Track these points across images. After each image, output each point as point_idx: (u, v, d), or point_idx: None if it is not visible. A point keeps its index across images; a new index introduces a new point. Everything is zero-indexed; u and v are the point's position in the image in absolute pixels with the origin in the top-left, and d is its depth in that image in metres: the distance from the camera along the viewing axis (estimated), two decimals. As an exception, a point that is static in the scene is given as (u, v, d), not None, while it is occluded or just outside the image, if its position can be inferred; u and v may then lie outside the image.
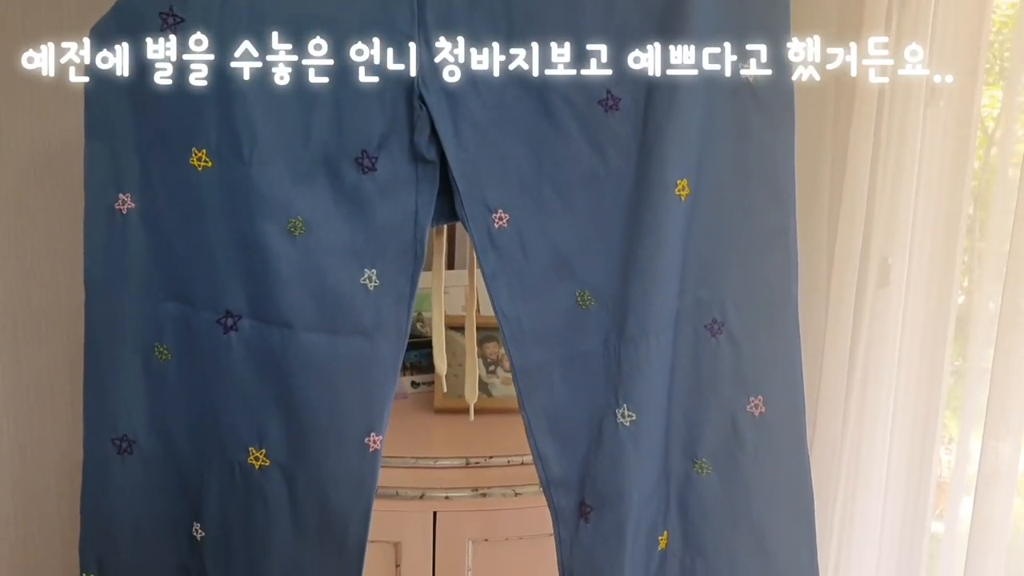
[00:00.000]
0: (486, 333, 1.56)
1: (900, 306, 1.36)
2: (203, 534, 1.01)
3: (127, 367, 0.99)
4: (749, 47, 0.94)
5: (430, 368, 1.64)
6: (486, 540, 1.30)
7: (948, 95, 1.30)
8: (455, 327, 1.51)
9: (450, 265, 1.77)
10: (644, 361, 0.96)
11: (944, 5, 1.28)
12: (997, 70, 1.34)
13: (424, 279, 1.03)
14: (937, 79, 1.27)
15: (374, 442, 0.97)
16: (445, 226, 1.13)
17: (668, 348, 0.98)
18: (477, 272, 1.14)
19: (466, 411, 1.30)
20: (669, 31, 0.92)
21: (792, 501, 1.02)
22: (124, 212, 0.96)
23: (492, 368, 1.58)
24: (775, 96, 0.96)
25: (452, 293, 1.68)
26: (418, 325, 1.65)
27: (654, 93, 0.93)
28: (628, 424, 0.97)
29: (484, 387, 1.56)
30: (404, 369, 1.65)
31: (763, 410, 1.00)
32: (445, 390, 1.42)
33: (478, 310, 1.41)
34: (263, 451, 0.98)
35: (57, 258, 1.54)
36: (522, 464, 1.30)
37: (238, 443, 0.98)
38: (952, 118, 1.31)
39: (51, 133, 1.52)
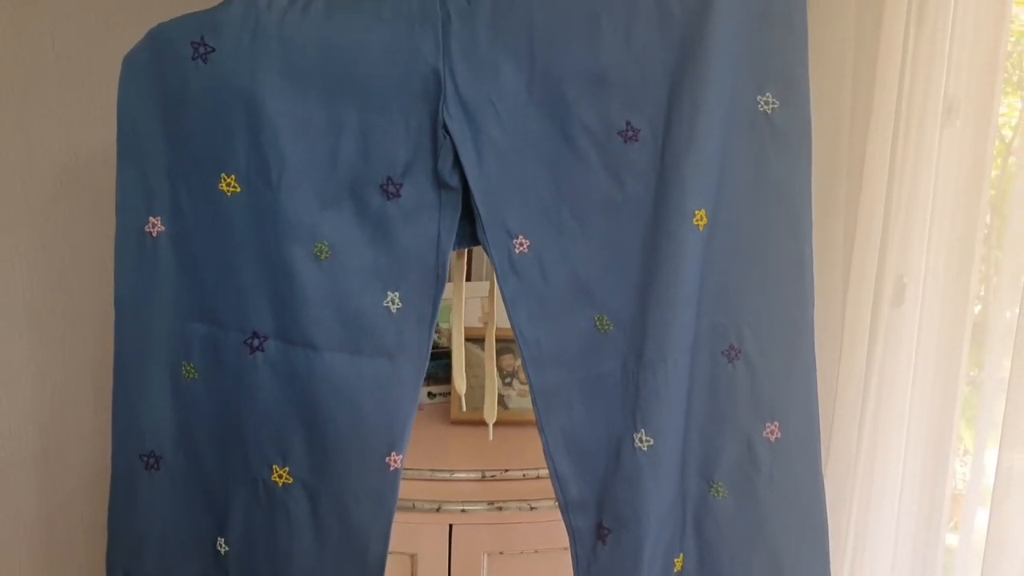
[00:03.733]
0: (502, 345, 1.56)
1: (915, 324, 1.36)
2: (227, 548, 1.03)
3: (155, 385, 1.01)
4: (767, 76, 0.96)
5: (447, 379, 1.65)
6: (501, 553, 1.31)
7: (965, 112, 1.30)
8: (472, 339, 1.52)
9: (468, 276, 1.78)
10: (662, 386, 0.98)
11: (961, 20, 1.28)
12: (1016, 79, 1.34)
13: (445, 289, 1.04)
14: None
15: (395, 461, 0.99)
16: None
17: (685, 373, 0.99)
18: (495, 291, 1.15)
19: (483, 423, 1.31)
20: (689, 59, 0.94)
21: (807, 525, 1.03)
22: (154, 235, 0.99)
23: (508, 380, 1.59)
24: (792, 126, 0.97)
25: (470, 304, 1.69)
26: (436, 337, 1.66)
27: (673, 123, 0.95)
28: (646, 449, 0.98)
29: (500, 399, 1.57)
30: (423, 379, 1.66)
31: (779, 435, 1.01)
32: (464, 409, 1.43)
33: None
34: (287, 468, 0.99)
35: (83, 268, 1.56)
36: (538, 478, 1.31)
37: (262, 460, 1.00)
38: (969, 136, 1.30)
39: (80, 145, 1.54)
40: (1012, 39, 1.30)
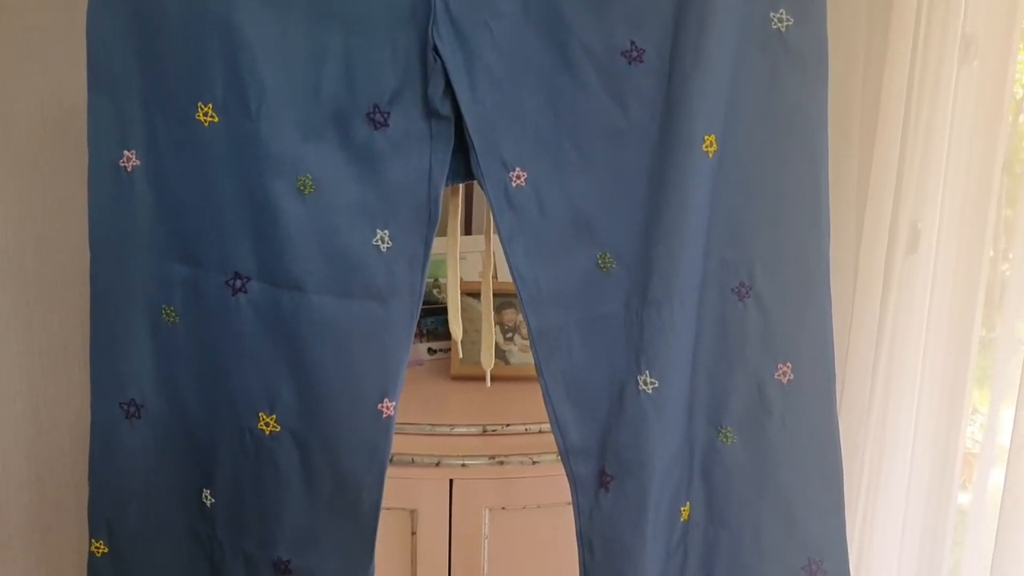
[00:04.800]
0: (503, 299, 1.53)
1: (929, 273, 1.33)
2: (213, 500, 0.99)
3: (134, 330, 0.97)
4: None
5: (447, 335, 1.62)
6: (503, 508, 1.28)
7: (983, 50, 1.26)
8: (471, 293, 1.48)
9: (467, 230, 1.74)
10: (668, 326, 0.93)
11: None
12: None
13: (439, 245, 1.00)
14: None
15: (387, 408, 0.95)
16: (461, 187, 1.10)
17: (693, 312, 0.95)
18: (494, 237, 1.11)
19: (483, 378, 1.28)
20: None
21: (820, 470, 0.99)
22: (129, 170, 0.94)
23: (510, 335, 1.56)
24: (808, 46, 0.92)
25: (469, 259, 1.66)
26: (434, 291, 1.63)
27: (680, 44, 0.90)
28: (651, 391, 0.94)
29: (501, 354, 1.54)
30: (420, 336, 1.63)
31: (791, 377, 0.96)
32: (461, 356, 1.40)
33: (495, 276, 1.38)
34: (273, 416, 0.96)
35: (70, 219, 1.53)
36: (540, 432, 1.29)
37: (248, 408, 0.96)
38: (988, 75, 1.26)
39: (63, 93, 1.50)
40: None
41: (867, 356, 1.38)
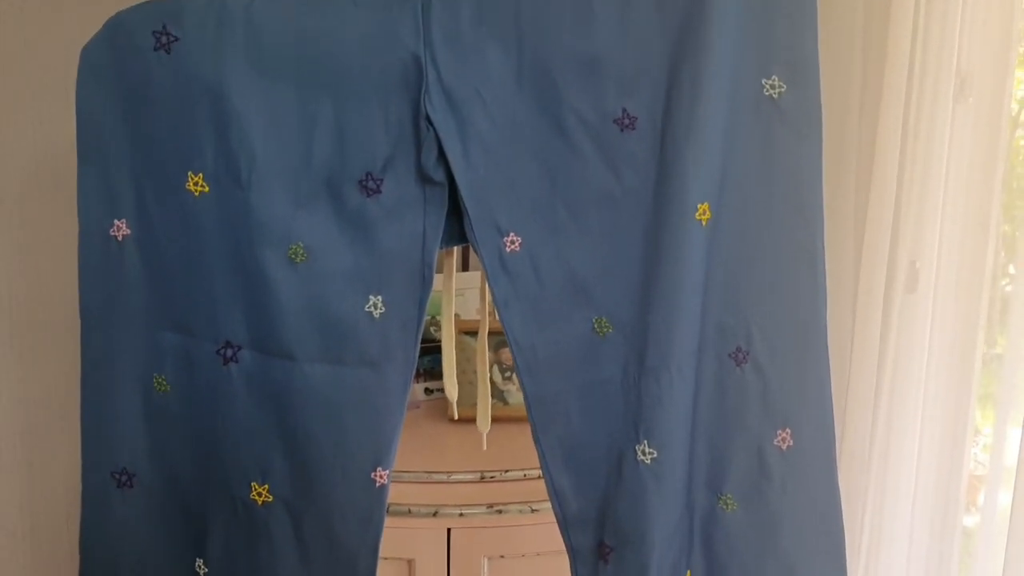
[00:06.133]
0: (501, 338, 1.52)
1: (928, 311, 1.32)
2: (206, 570, 0.98)
3: (125, 399, 0.96)
4: (773, 58, 0.90)
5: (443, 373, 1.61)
6: (502, 557, 1.27)
7: (978, 88, 1.26)
8: (469, 332, 1.47)
9: (464, 267, 1.73)
10: (666, 394, 0.92)
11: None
12: (1020, 52, 1.28)
13: (436, 281, 0.99)
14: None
15: (381, 476, 0.94)
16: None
17: (691, 379, 0.94)
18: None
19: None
20: (688, 42, 0.88)
21: (822, 537, 0.98)
22: (120, 239, 0.93)
23: (508, 375, 1.55)
24: (801, 111, 0.91)
25: (466, 295, 1.65)
26: (432, 329, 1.61)
27: (673, 110, 0.89)
28: (649, 462, 0.93)
29: (499, 394, 1.53)
30: (417, 376, 1.62)
31: (791, 443, 0.95)
32: (456, 417, 1.38)
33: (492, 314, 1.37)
34: (266, 486, 0.94)
35: (64, 272, 1.49)
36: (539, 478, 1.24)
37: (240, 478, 0.95)
38: (983, 112, 1.26)
39: (57, 144, 1.48)
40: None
41: (867, 395, 1.36)
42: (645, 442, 0.93)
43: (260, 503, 0.95)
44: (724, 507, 0.97)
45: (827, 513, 0.97)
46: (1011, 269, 1.28)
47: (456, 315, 1.13)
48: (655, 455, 0.93)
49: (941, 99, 1.27)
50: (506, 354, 1.55)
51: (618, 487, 0.94)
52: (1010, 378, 1.23)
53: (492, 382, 1.54)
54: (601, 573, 0.96)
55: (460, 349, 1.36)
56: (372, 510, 0.94)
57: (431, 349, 1.60)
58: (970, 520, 1.35)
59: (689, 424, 0.95)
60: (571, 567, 0.97)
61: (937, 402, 1.34)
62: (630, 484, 0.93)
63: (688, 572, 0.98)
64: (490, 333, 1.19)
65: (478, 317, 1.43)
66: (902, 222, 1.31)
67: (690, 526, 0.98)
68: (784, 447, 0.95)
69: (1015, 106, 1.29)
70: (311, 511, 0.94)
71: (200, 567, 0.98)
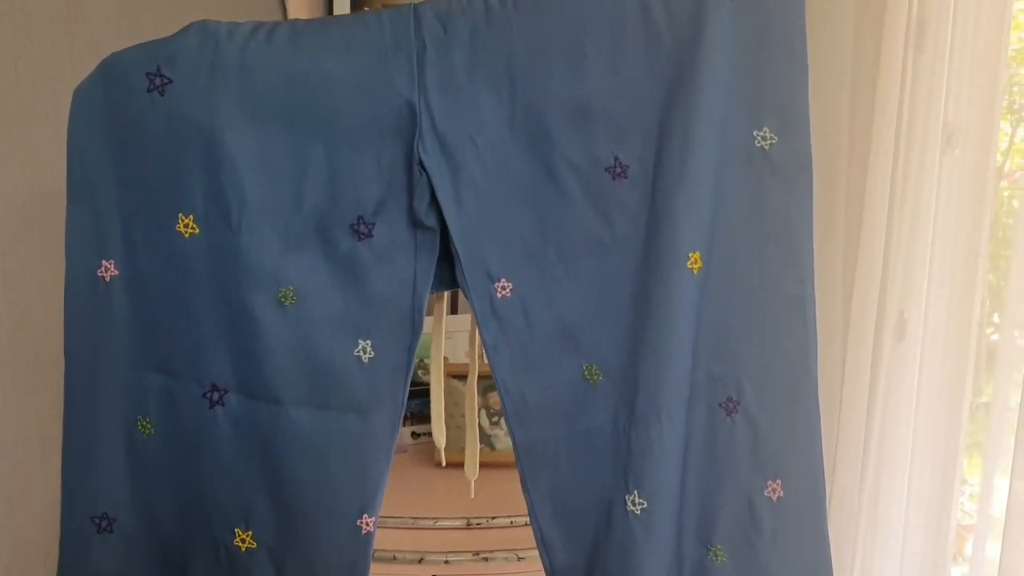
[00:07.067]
0: (489, 382, 1.51)
1: (917, 360, 1.32)
2: (187, 618, 0.96)
3: (108, 441, 0.94)
4: (764, 110, 0.91)
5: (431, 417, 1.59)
6: (488, 606, 1.25)
7: (964, 140, 1.27)
8: (458, 376, 1.46)
9: (453, 310, 1.73)
10: (656, 443, 0.91)
11: (960, 47, 1.25)
12: (1005, 104, 1.30)
13: (425, 323, 0.98)
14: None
15: (367, 524, 0.92)
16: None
17: (681, 428, 0.93)
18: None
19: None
20: (680, 92, 0.88)
21: None
22: (107, 280, 0.92)
23: (495, 419, 1.54)
24: (792, 162, 0.92)
25: (455, 337, 1.64)
26: (419, 372, 1.60)
27: (664, 159, 0.89)
28: (639, 512, 0.92)
29: (487, 439, 1.52)
30: (405, 419, 1.60)
31: (781, 494, 0.94)
32: (444, 464, 1.36)
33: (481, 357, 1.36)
34: (250, 532, 0.93)
35: (49, 307, 1.50)
36: (526, 525, 1.23)
37: (224, 523, 0.93)
38: (969, 164, 1.27)
39: (44, 177, 1.48)
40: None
41: (857, 443, 1.36)
42: (635, 492, 0.92)
43: (244, 549, 0.93)
44: (713, 558, 0.96)
45: (816, 564, 0.96)
46: (996, 318, 1.29)
47: (444, 358, 1.12)
48: (645, 505, 0.92)
49: (929, 151, 1.28)
50: (494, 398, 1.54)
51: (607, 538, 0.93)
52: (997, 427, 1.23)
53: (480, 427, 1.52)
54: None
55: (448, 392, 1.35)
56: (357, 558, 0.93)
57: (419, 392, 1.59)
58: (957, 571, 1.34)
59: (679, 474, 0.94)
60: None
61: (926, 451, 1.33)
62: (619, 535, 0.92)
63: (678, 626, 0.97)
64: (479, 377, 1.18)
65: (467, 360, 1.42)
66: (890, 272, 1.32)
67: None
68: (775, 498, 0.95)
69: (1000, 158, 1.31)
70: (295, 558, 0.93)
71: (180, 615, 0.96)
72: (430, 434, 1.58)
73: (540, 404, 0.93)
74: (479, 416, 1.53)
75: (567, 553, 0.94)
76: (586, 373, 0.93)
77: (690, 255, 0.90)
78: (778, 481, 0.94)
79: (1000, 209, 1.31)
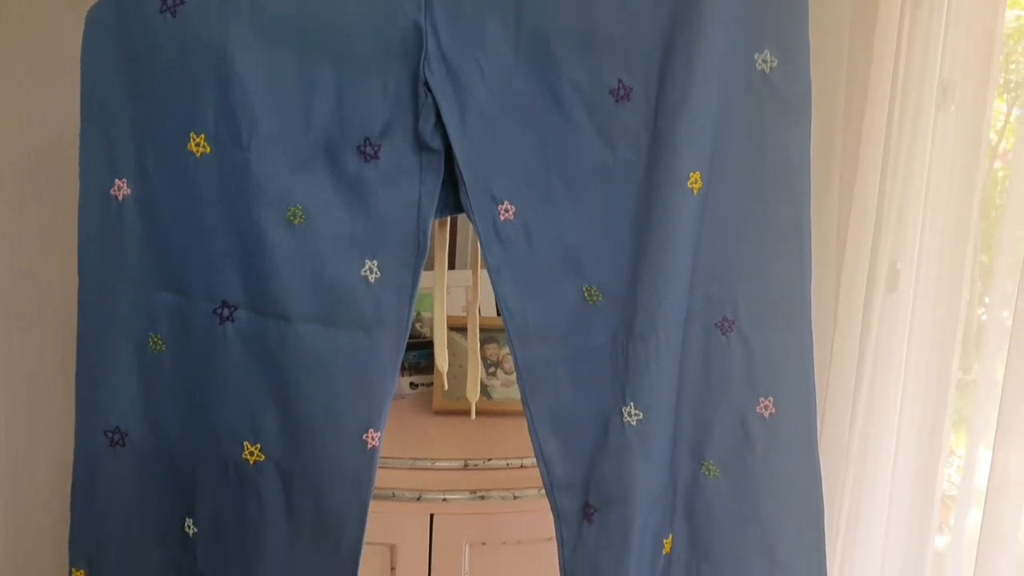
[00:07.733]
0: (486, 334, 1.53)
1: (908, 311, 1.35)
2: (195, 530, 0.98)
3: (120, 358, 0.96)
4: (766, 35, 0.92)
5: (429, 369, 1.62)
6: (484, 544, 1.27)
7: (960, 96, 1.29)
8: (455, 328, 1.48)
9: (451, 265, 1.75)
10: (653, 359, 0.94)
11: (957, 2, 1.27)
12: (1002, 82, 1.32)
13: (425, 279, 1.00)
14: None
15: (372, 439, 0.94)
16: (448, 220, 1.11)
17: (677, 346, 0.95)
18: (480, 272, 1.11)
19: (465, 413, 1.28)
20: (683, 18, 0.90)
21: (802, 505, 0.99)
22: (120, 198, 0.94)
23: (492, 370, 1.56)
24: (791, 87, 0.93)
25: (452, 293, 1.66)
26: (417, 325, 1.63)
27: (667, 83, 0.91)
28: (635, 423, 0.94)
29: (484, 389, 1.54)
30: (403, 370, 1.63)
31: (773, 411, 0.97)
32: (446, 388, 1.39)
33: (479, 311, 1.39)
34: (258, 446, 0.95)
35: (53, 257, 1.51)
36: (521, 467, 1.28)
37: (232, 437, 0.95)
38: (963, 122, 1.29)
39: (48, 128, 1.49)
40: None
41: (847, 391, 1.38)
42: (631, 404, 0.94)
43: (252, 462, 0.95)
44: (706, 474, 0.98)
45: (807, 484, 0.99)
46: (986, 300, 1.31)
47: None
48: (641, 416, 0.94)
49: (924, 107, 1.30)
50: (490, 350, 1.57)
51: (604, 450, 0.95)
52: (983, 403, 1.26)
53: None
54: (584, 533, 0.96)
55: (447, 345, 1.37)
56: (362, 473, 0.94)
57: (417, 345, 1.61)
58: (941, 540, 1.37)
59: (674, 391, 0.96)
60: (556, 529, 0.98)
61: (915, 411, 1.36)
62: (615, 444, 0.94)
63: (671, 536, 0.99)
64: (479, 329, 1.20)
65: (464, 314, 1.45)
66: (884, 224, 1.34)
67: (673, 493, 0.99)
68: (767, 415, 0.97)
69: (994, 136, 1.33)
70: (302, 472, 0.94)
71: (189, 527, 0.98)
72: (428, 384, 1.61)
73: (541, 325, 0.95)
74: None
75: (564, 467, 0.96)
76: (586, 294, 0.95)
77: (691, 175, 0.92)
78: (770, 398, 0.97)
79: (993, 189, 1.33)
